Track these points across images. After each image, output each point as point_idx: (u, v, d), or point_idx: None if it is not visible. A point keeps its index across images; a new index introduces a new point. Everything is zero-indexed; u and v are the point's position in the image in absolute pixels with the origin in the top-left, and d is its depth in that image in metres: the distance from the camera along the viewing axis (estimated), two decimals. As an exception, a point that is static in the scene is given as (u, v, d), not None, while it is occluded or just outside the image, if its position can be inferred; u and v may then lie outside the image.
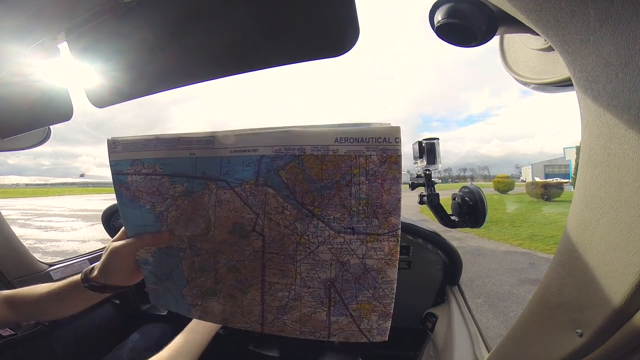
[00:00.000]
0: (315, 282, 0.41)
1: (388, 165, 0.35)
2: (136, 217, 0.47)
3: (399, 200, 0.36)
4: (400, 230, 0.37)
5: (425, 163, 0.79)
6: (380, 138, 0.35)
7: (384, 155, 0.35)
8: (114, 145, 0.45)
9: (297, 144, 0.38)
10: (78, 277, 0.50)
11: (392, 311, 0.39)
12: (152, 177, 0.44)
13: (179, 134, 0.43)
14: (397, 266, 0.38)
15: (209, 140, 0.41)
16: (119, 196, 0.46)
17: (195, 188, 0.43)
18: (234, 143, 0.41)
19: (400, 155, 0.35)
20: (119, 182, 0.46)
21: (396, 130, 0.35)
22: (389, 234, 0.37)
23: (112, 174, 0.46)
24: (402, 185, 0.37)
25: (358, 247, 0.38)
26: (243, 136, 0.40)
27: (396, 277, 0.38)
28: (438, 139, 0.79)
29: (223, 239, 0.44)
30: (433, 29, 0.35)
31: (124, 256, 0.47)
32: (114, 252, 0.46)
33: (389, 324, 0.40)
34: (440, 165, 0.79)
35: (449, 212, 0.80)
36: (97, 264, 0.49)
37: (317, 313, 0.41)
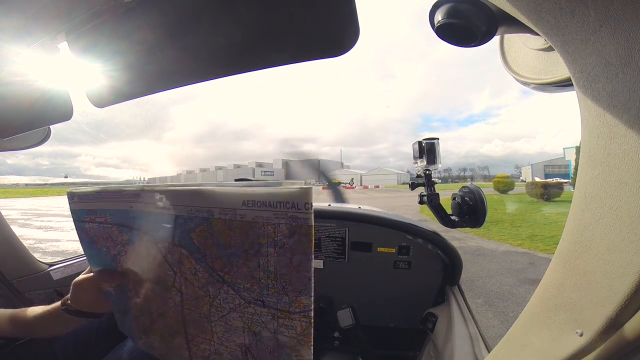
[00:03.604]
0: (232, 344, 0.40)
1: (297, 238, 0.31)
2: (96, 257, 0.52)
3: (310, 279, 0.32)
4: (312, 312, 0.33)
5: (425, 163, 0.79)
6: (289, 203, 0.30)
7: (293, 224, 0.31)
8: (71, 197, 0.50)
9: (206, 206, 0.36)
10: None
11: None
12: (105, 225, 0.48)
13: (120, 186, 0.46)
14: (312, 347, 0.34)
15: (138, 194, 0.43)
16: (81, 240, 0.52)
17: (135, 238, 0.45)
18: (155, 200, 0.40)
19: (311, 226, 0.30)
20: (80, 228, 0.51)
21: (306, 194, 0.29)
22: (300, 313, 0.33)
23: (74, 221, 0.51)
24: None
25: (269, 321, 0.35)
26: (163, 193, 0.40)
27: (311, 357, 0.35)
28: (438, 138, 0.79)
29: (151, 288, 0.46)
30: (433, 29, 0.35)
31: (85, 287, 0.54)
32: (76, 284, 0.54)
33: None
34: (440, 165, 0.79)
35: (449, 212, 0.80)
36: None
37: None
